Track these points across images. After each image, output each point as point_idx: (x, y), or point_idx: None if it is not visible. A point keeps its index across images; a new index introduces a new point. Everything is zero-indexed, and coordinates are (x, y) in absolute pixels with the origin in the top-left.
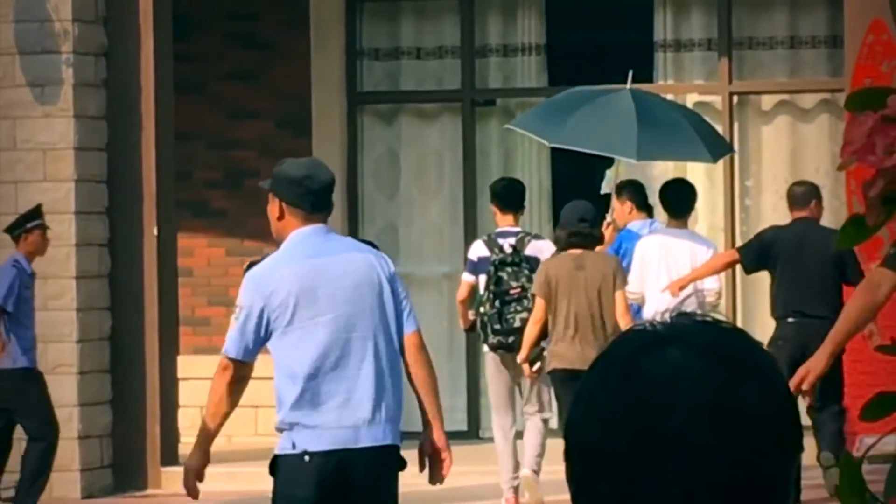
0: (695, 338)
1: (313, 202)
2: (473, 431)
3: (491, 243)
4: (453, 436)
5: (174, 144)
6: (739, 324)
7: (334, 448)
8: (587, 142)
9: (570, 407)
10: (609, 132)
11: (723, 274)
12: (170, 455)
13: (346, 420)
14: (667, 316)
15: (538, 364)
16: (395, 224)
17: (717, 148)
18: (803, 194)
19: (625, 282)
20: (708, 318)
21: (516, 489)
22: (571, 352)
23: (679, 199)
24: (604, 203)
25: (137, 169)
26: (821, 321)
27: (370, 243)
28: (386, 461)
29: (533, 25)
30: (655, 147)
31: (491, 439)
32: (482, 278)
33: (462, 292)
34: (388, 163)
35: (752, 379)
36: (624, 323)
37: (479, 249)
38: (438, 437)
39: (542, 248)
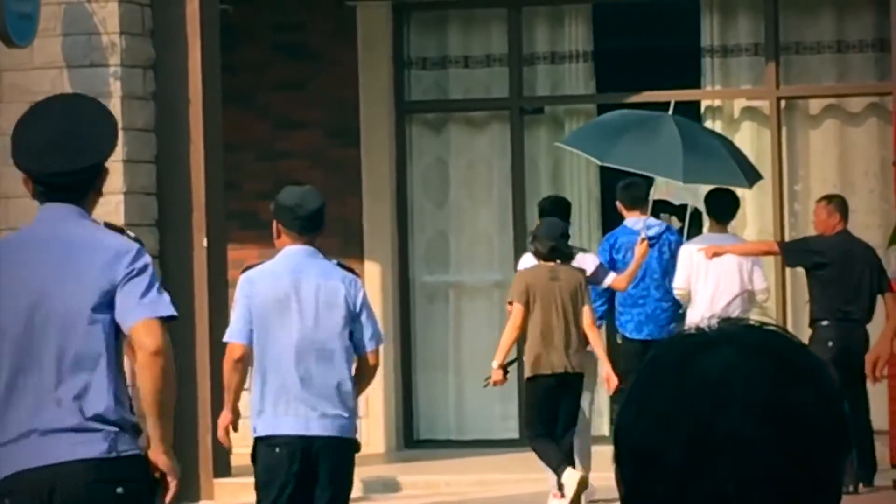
0: (746, 339)
1: (301, 226)
2: (526, 439)
3: None
4: (506, 444)
5: (223, 156)
6: (789, 326)
7: (289, 433)
8: (637, 163)
9: (620, 410)
10: (657, 155)
11: (769, 275)
12: (223, 466)
13: (298, 412)
14: (713, 320)
15: (509, 372)
16: (445, 232)
17: (750, 174)
18: (846, 208)
19: (590, 296)
20: (754, 322)
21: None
22: (545, 358)
23: (722, 206)
24: (654, 211)
25: (186, 181)
26: (858, 324)
27: (350, 269)
28: (336, 450)
29: (580, 33)
30: (699, 171)
31: None
32: None
33: None
34: (437, 171)
35: (805, 379)
36: (592, 335)
37: (528, 261)
38: None
39: (586, 261)
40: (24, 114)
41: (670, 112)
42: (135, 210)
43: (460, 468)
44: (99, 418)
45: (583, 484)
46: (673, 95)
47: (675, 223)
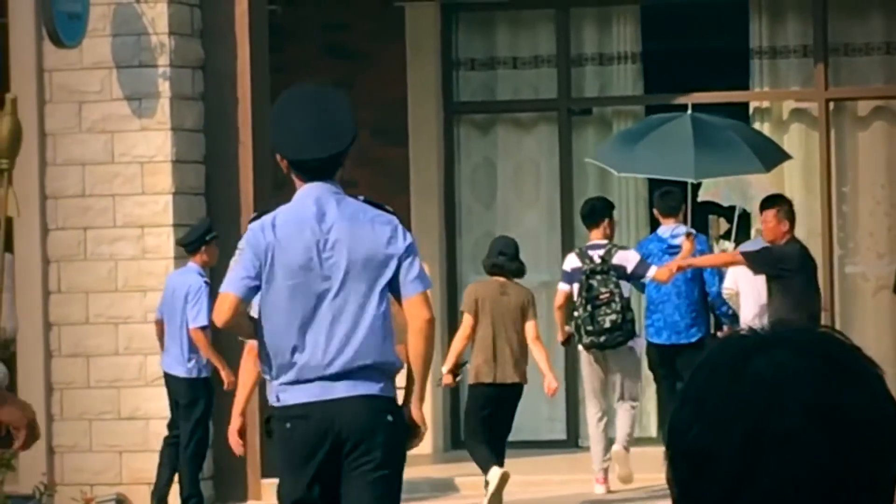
0: (799, 340)
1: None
2: (573, 441)
3: (582, 255)
4: (553, 445)
5: (271, 155)
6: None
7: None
8: (650, 168)
9: (673, 412)
10: (669, 158)
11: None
12: (270, 466)
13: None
14: (765, 320)
15: (459, 376)
16: (493, 233)
17: (770, 158)
18: (794, 214)
19: (536, 312)
20: (806, 324)
21: (606, 470)
22: (490, 368)
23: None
24: (702, 212)
25: (235, 181)
26: None
27: None
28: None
29: (628, 34)
30: (711, 166)
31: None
32: (576, 287)
33: (559, 300)
34: (485, 172)
35: (858, 380)
36: (535, 348)
37: (571, 261)
38: None
39: (627, 258)
40: (277, 105)
41: (689, 112)
42: (183, 210)
43: (507, 469)
44: (374, 367)
45: (505, 478)
46: (721, 97)
47: (723, 225)
